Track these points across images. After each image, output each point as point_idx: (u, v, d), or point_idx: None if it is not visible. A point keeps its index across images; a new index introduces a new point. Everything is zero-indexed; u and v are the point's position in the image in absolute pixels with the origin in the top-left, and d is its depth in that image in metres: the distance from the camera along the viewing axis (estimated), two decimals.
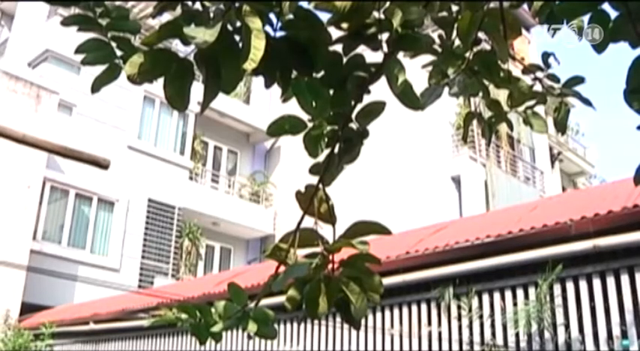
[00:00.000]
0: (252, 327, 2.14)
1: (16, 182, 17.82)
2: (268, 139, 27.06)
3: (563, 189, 27.02)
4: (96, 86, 2.29)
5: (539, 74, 3.21)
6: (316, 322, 9.95)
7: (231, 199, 25.17)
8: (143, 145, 22.41)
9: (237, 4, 1.91)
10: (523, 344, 7.59)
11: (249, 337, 2.16)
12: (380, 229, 2.15)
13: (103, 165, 3.95)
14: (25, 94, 18.42)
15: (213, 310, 2.26)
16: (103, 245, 21.01)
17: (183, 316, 2.30)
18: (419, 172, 21.45)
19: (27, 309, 17.73)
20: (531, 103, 3.23)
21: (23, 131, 4.06)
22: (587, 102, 3.13)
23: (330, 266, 2.14)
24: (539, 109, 3.36)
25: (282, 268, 2.19)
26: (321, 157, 2.24)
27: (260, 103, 26.72)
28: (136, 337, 13.71)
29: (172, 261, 22.23)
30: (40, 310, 18.15)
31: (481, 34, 2.74)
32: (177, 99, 2.08)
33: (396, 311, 8.94)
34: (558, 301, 7.38)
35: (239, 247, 25.78)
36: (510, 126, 3.28)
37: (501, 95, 3.10)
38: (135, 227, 21.53)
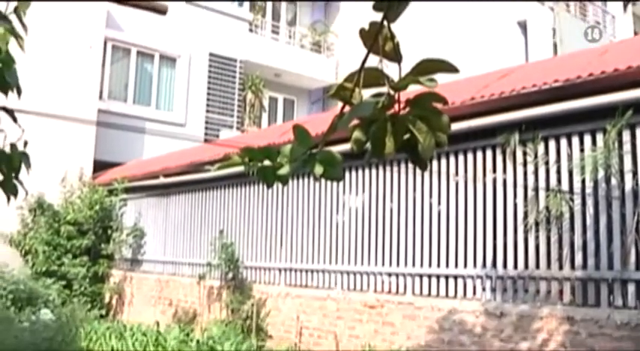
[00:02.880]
0: (319, 169, 2.12)
1: (77, 43, 17.96)
2: None
3: (635, 33, 25.94)
4: None
5: None
6: (381, 169, 10.04)
7: (293, 50, 24.98)
8: None
9: None
10: (589, 191, 7.54)
11: (316, 179, 2.15)
12: (447, 67, 2.07)
13: (160, 10, 3.89)
14: None
15: (279, 153, 2.25)
16: (167, 101, 21.31)
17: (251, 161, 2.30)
18: (484, 17, 20.78)
19: (99, 166, 18.36)
20: None
21: None
22: None
23: (396, 106, 2.08)
24: None
25: (347, 110, 2.14)
26: None
27: None
28: (204, 188, 14.11)
29: (236, 114, 22.46)
30: (112, 167, 18.76)
31: None
32: None
33: (460, 157, 8.93)
34: (627, 147, 7.23)
35: (302, 98, 25.86)
36: None
37: None
38: (198, 82, 21.68)
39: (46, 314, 12.64)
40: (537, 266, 7.94)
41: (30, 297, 14.11)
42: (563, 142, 7.83)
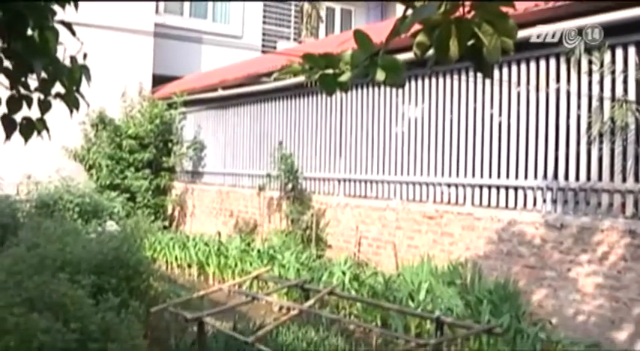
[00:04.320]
0: (381, 75, 2.07)
1: None
2: None
3: None
4: None
5: None
6: (441, 78, 9.87)
7: None
8: None
9: None
10: None
11: (377, 86, 2.11)
12: None
13: None
14: None
15: (340, 60, 2.20)
16: (223, 13, 21.15)
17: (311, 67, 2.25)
18: None
19: (158, 81, 18.49)
20: None
21: None
22: None
23: (460, 9, 2.01)
24: None
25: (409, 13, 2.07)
26: None
27: None
28: (263, 100, 14.13)
29: (293, 25, 22.22)
30: (170, 81, 18.88)
31: None
32: None
33: (522, 67, 8.71)
34: None
35: (359, 8, 25.37)
36: None
37: None
38: None
39: (111, 225, 13.04)
40: (600, 178, 7.81)
41: (95, 209, 14.53)
42: (631, 50, 7.55)
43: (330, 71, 2.23)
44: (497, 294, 7.94)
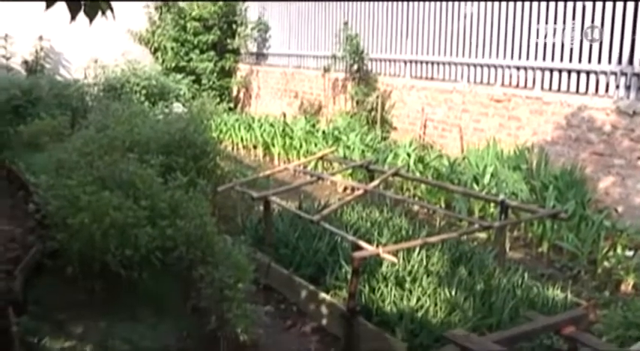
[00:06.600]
0: None
1: None
2: None
3: None
4: None
5: None
6: None
7: None
8: None
9: None
10: None
11: None
12: None
13: None
14: None
15: None
16: None
17: None
18: None
19: None
20: None
21: None
22: None
23: None
24: None
25: None
26: None
27: None
28: None
29: None
30: None
31: None
32: None
33: None
34: None
35: None
36: None
37: None
38: None
39: (177, 107, 13.23)
40: None
41: (162, 92, 14.71)
42: None
43: None
44: (563, 180, 7.85)
